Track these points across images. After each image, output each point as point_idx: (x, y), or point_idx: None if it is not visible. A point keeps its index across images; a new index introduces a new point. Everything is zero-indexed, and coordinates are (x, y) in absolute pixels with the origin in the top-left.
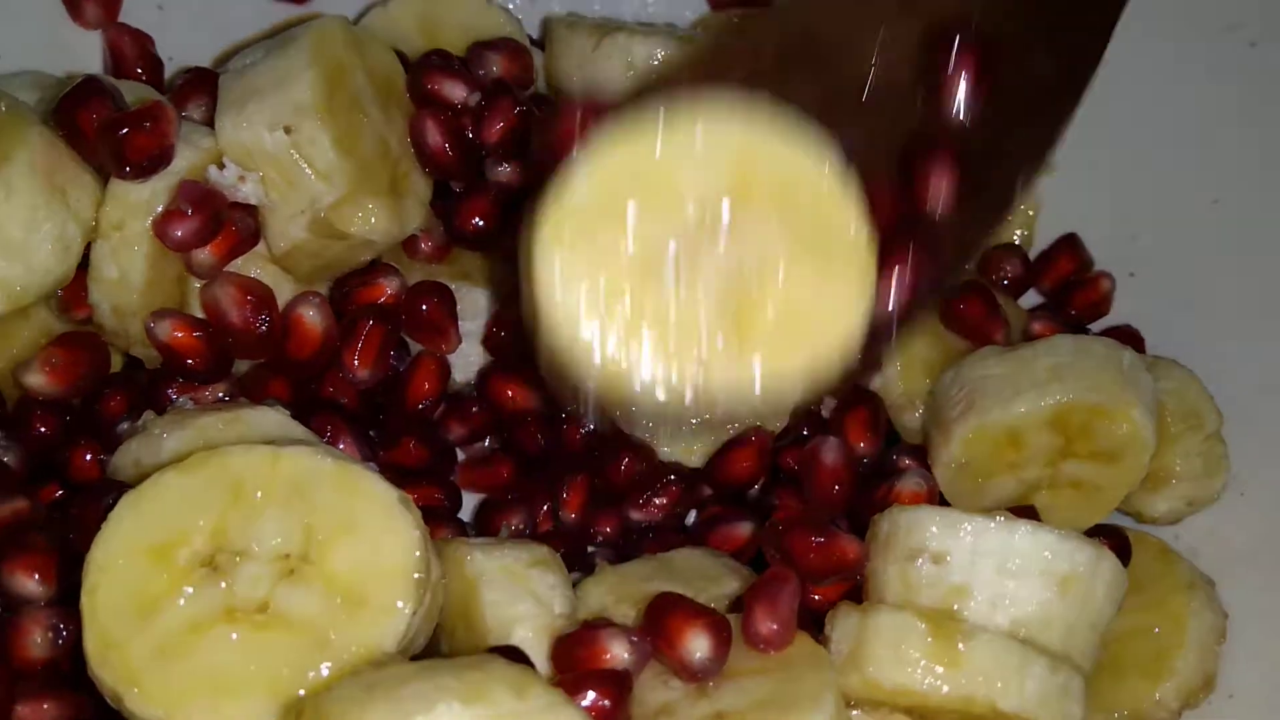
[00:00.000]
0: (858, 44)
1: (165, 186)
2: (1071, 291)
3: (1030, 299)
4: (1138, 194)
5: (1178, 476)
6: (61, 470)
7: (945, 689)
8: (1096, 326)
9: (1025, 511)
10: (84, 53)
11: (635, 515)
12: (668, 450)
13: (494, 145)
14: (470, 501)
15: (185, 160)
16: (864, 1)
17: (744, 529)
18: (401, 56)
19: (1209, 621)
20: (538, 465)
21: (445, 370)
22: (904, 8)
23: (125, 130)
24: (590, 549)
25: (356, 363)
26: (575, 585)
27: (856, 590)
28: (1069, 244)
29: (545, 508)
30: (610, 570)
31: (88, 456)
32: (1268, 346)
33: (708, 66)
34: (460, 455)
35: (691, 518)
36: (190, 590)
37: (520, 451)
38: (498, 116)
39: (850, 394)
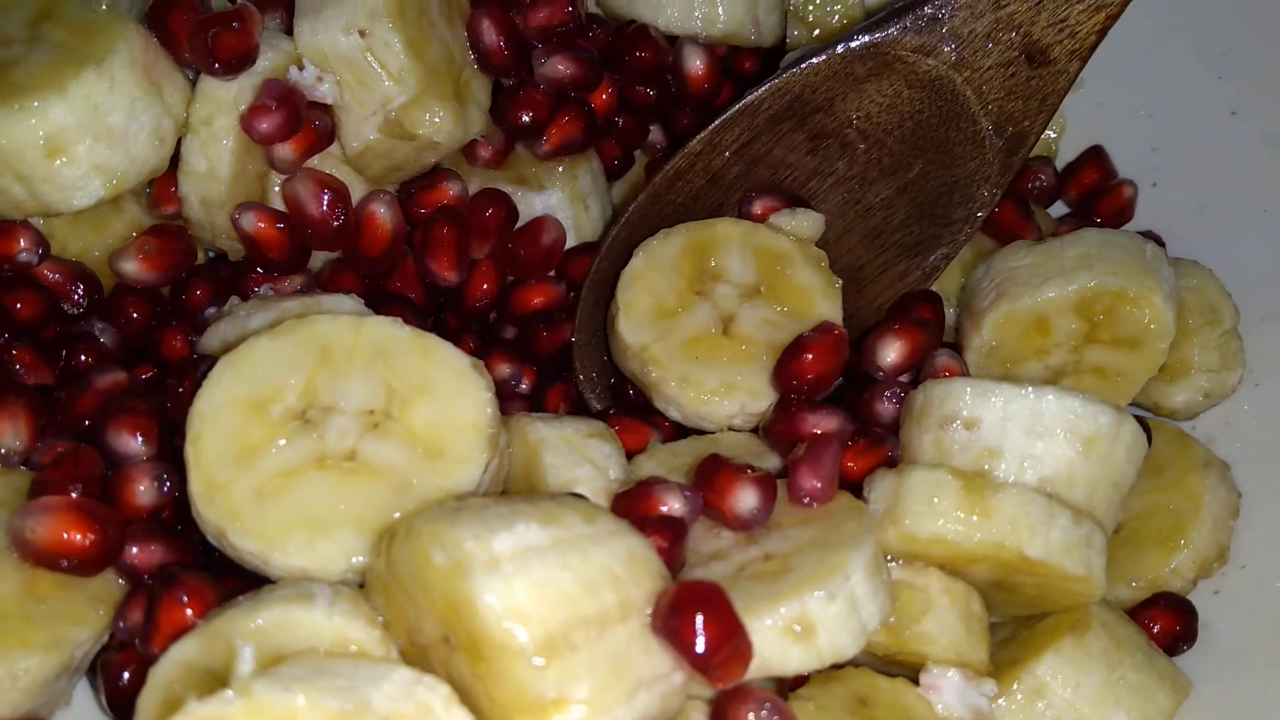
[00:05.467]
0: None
1: (250, 85)
2: (1096, 199)
3: (1058, 210)
4: (1159, 107)
5: (1195, 368)
6: (154, 351)
7: (976, 537)
8: None
9: None
10: None
11: None
12: None
13: (540, 35)
14: None
15: (268, 61)
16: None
17: None
18: None
19: (1223, 498)
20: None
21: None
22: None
23: (215, 30)
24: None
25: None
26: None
27: (891, 465)
28: (1094, 155)
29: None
30: (661, 446)
31: (178, 337)
32: None
33: None
34: None
35: None
36: (284, 440)
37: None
38: (543, 5)
39: None
